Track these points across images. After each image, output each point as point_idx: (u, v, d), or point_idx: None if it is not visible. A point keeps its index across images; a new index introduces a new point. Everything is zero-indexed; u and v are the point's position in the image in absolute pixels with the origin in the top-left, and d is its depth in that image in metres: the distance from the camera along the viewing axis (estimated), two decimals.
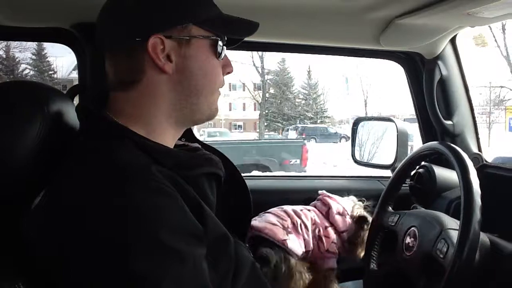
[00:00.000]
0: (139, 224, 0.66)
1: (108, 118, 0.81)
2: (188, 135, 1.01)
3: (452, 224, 1.18)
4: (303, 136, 24.81)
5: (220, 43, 0.87)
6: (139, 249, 0.65)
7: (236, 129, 34.36)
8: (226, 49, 0.91)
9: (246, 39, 0.97)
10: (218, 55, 0.87)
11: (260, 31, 0.94)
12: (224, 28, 0.88)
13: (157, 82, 0.82)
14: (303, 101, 35.85)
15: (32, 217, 0.74)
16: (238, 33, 0.94)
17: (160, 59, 0.80)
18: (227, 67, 0.92)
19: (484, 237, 1.12)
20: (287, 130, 28.14)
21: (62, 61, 23.44)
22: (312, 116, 34.76)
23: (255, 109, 33.96)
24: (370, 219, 1.47)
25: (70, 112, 0.90)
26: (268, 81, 33.77)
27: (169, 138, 0.87)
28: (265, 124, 33.32)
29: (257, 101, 28.07)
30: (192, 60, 0.84)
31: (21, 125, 0.81)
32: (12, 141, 0.79)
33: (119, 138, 0.78)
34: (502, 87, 19.55)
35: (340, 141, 25.18)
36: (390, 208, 1.46)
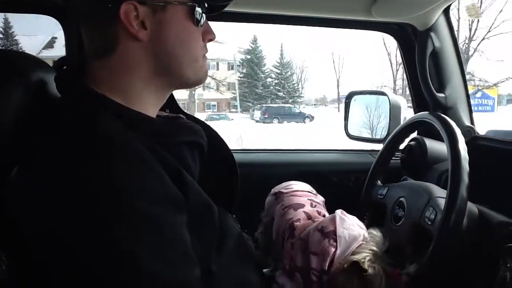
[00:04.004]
0: (115, 192, 0.65)
1: (86, 87, 0.79)
2: (172, 106, 0.99)
3: (441, 193, 1.18)
4: (266, 116, 24.91)
5: (198, 9, 0.83)
6: (116, 217, 0.64)
7: (209, 109, 34.27)
8: (210, 19, 0.88)
9: (231, 9, 0.94)
10: (196, 22, 0.84)
11: (247, 0, 0.91)
12: None
13: (133, 50, 0.80)
14: (275, 81, 35.76)
15: (9, 188, 0.73)
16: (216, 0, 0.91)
17: (133, 26, 0.77)
18: (208, 34, 0.88)
19: (472, 206, 1.12)
20: (253, 110, 28.18)
21: (32, 39, 23.02)
22: (284, 95, 34.97)
23: (228, 89, 34.14)
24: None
25: (54, 83, 0.88)
26: (240, 60, 34.02)
27: (150, 106, 0.86)
28: (236, 103, 33.46)
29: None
30: (167, 27, 0.80)
31: (1, 95, 0.79)
32: None
33: (96, 107, 0.76)
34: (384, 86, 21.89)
35: (304, 121, 25.48)
36: (379, 182, 1.45)
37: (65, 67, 0.91)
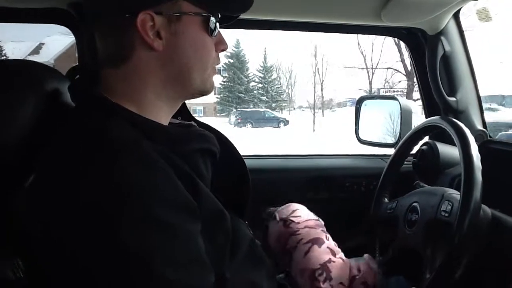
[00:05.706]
0: (130, 198, 0.65)
1: (99, 95, 0.80)
2: (184, 113, 1.00)
3: (454, 191, 1.18)
4: (239, 121, 24.97)
5: (212, 19, 0.84)
6: (130, 223, 0.64)
7: (195, 113, 34.13)
8: (222, 27, 0.89)
9: (241, 16, 0.95)
10: (210, 32, 0.85)
11: (256, 7, 0.92)
12: (216, 4, 0.86)
13: (147, 59, 0.81)
14: (259, 85, 35.62)
15: (25, 196, 0.73)
16: (232, 10, 0.91)
17: (149, 35, 0.78)
18: (221, 44, 0.89)
19: (486, 208, 1.11)
20: (230, 115, 28.18)
21: (17, 46, 22.94)
22: (268, 99, 34.63)
23: (215, 93, 34.12)
24: None
25: (67, 92, 0.89)
26: (224, 64, 34.01)
27: (162, 114, 0.86)
28: (220, 108, 33.24)
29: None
30: (182, 37, 0.81)
31: (14, 105, 0.80)
32: (5, 121, 0.79)
33: (110, 115, 0.77)
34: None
35: (279, 126, 25.39)
36: (386, 200, 1.44)
37: (78, 76, 0.92)
